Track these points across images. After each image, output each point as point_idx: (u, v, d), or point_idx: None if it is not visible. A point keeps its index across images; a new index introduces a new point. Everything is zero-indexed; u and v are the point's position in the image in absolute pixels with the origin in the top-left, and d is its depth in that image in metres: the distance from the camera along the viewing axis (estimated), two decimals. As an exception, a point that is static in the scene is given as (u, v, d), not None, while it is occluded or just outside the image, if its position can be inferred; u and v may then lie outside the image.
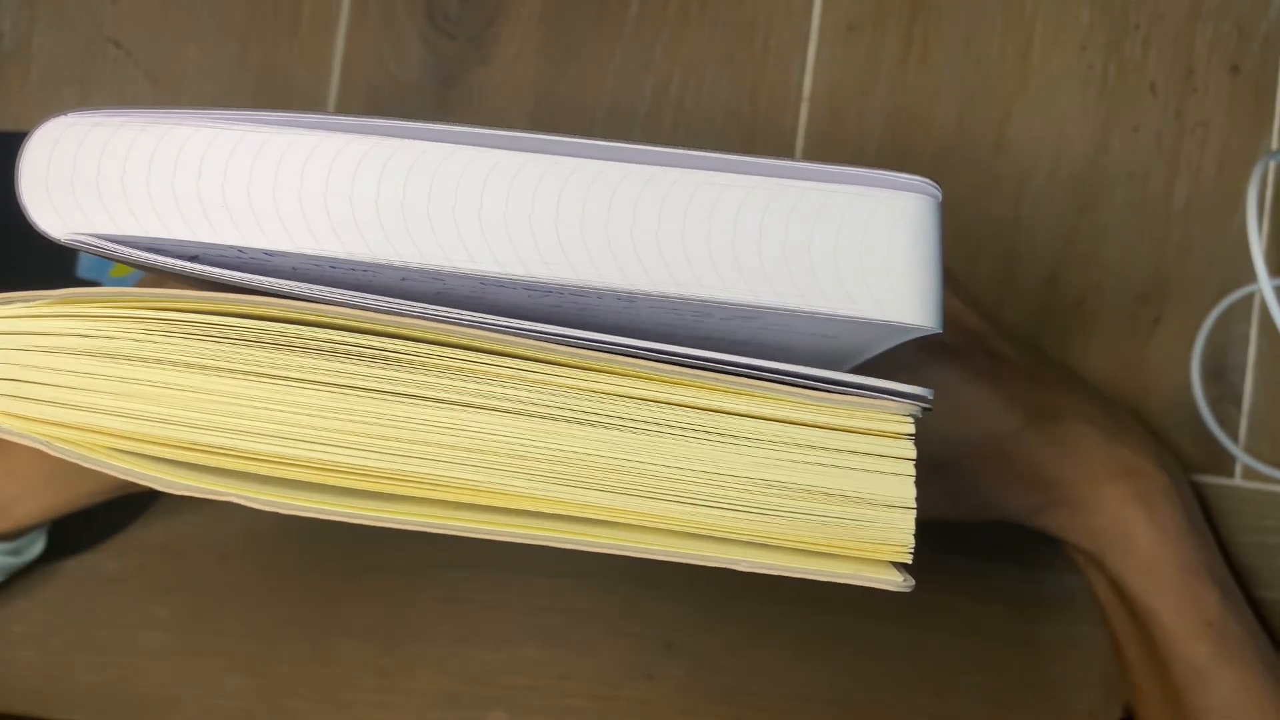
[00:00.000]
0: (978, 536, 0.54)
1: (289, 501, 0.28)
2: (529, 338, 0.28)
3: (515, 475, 0.29)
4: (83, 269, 0.54)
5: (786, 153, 0.55)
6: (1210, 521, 0.53)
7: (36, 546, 0.51)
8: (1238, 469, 0.54)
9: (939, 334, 0.29)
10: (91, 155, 0.28)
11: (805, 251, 0.28)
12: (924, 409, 0.29)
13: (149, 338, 0.28)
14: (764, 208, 0.28)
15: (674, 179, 0.28)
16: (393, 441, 0.28)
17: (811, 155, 0.55)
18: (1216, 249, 0.54)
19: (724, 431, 0.29)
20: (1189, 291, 0.54)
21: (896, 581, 0.28)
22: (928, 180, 0.29)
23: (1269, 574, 0.53)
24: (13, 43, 0.56)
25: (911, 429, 0.29)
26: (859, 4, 0.56)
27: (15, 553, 0.49)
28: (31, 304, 0.29)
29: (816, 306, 0.28)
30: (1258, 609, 0.51)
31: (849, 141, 0.55)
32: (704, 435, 0.29)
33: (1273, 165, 0.55)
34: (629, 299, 0.28)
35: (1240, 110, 0.55)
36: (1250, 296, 0.54)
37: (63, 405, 0.28)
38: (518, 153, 0.28)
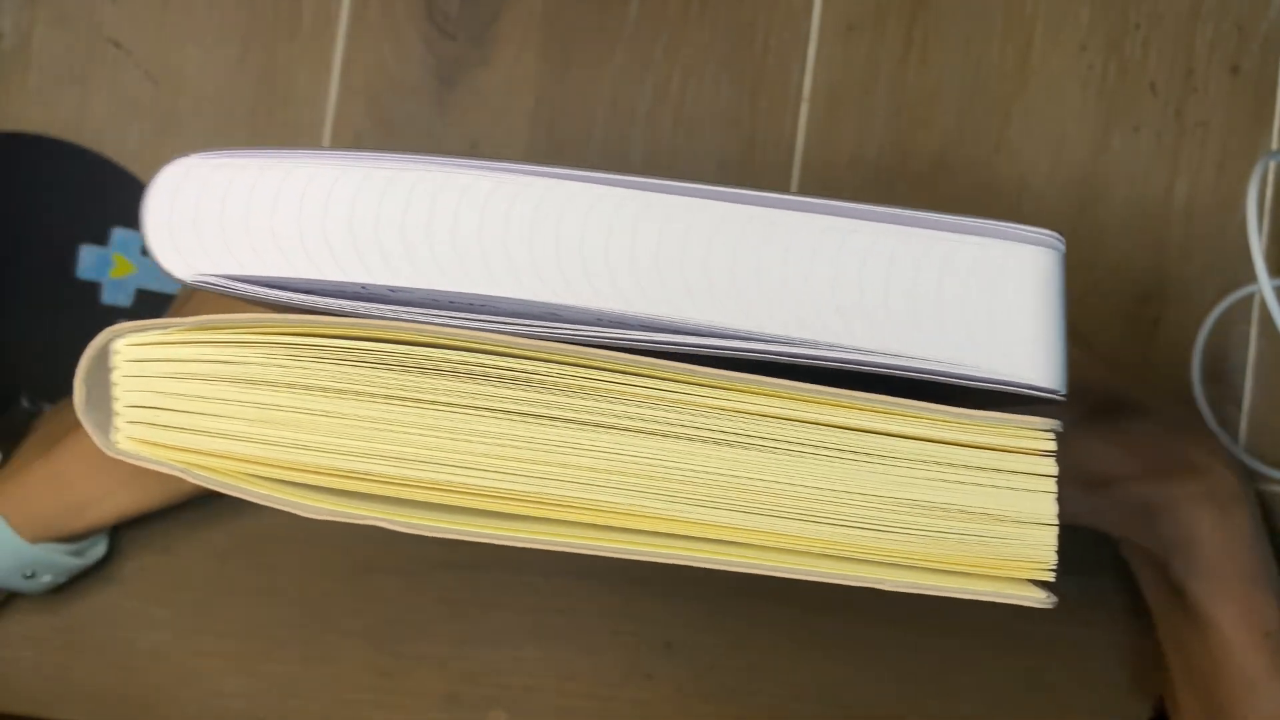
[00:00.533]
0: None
1: (430, 524, 0.28)
2: (666, 358, 0.28)
3: (652, 496, 0.28)
4: (82, 269, 0.54)
5: (786, 153, 0.55)
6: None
7: (99, 548, 0.51)
8: (1238, 469, 0.54)
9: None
10: (215, 197, 0.28)
11: (934, 301, 0.28)
12: (1061, 426, 0.29)
13: (285, 363, 0.28)
14: (890, 256, 0.28)
15: (799, 223, 0.28)
16: (529, 464, 0.28)
17: (811, 155, 0.55)
18: (1216, 249, 0.54)
19: (864, 451, 0.28)
20: (1189, 291, 0.54)
21: (1039, 598, 0.28)
22: (1052, 233, 0.28)
23: (1269, 574, 0.53)
24: (13, 43, 0.56)
25: (1054, 445, 0.28)
26: (859, 4, 0.56)
27: (78, 554, 0.49)
28: (167, 331, 0.28)
29: (946, 361, 0.28)
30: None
31: (849, 142, 0.55)
32: (844, 455, 0.28)
33: (1273, 165, 0.55)
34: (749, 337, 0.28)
35: (1240, 110, 0.55)
36: (1250, 296, 0.54)
37: (200, 432, 0.28)
38: (631, 191, 0.28)
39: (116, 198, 0.55)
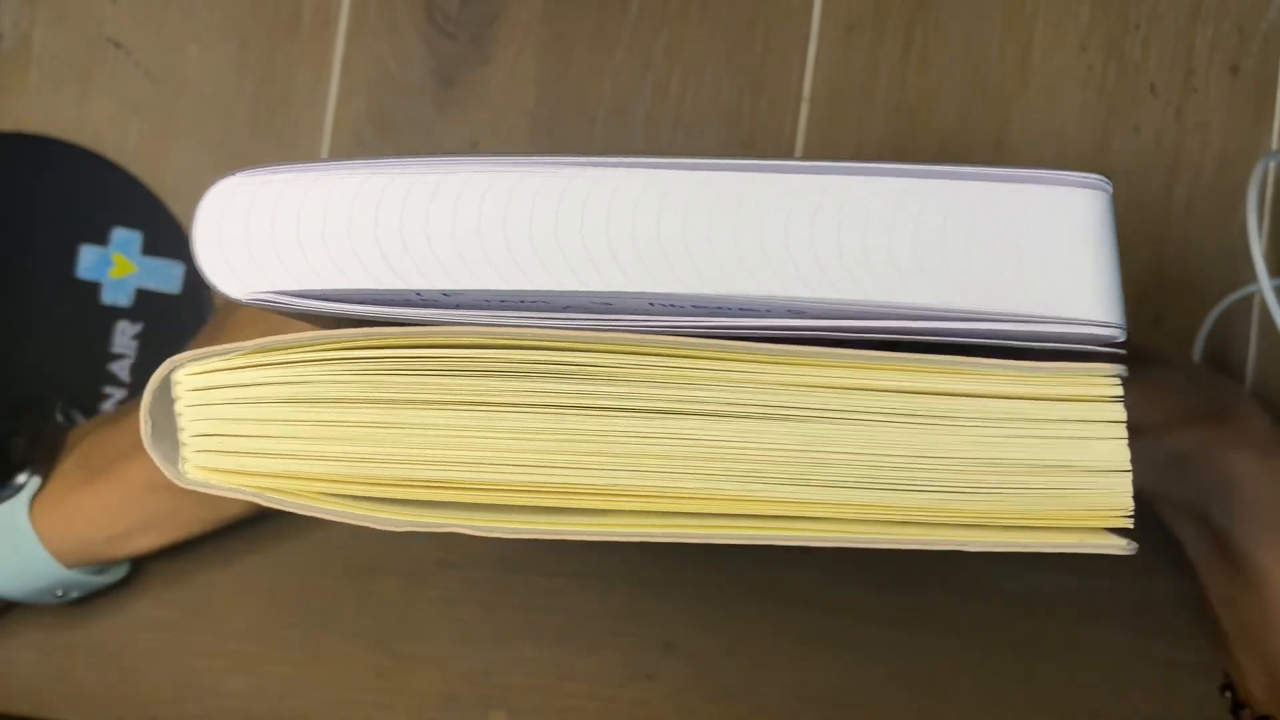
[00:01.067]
0: (978, 536, 0.54)
1: (511, 525, 0.28)
2: (727, 339, 0.28)
3: (729, 479, 0.28)
4: (82, 269, 0.54)
5: (787, 153, 0.55)
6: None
7: (121, 569, 0.51)
8: (1238, 469, 0.54)
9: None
10: (264, 213, 0.28)
11: (990, 251, 0.28)
12: (1127, 369, 0.28)
13: (346, 378, 0.28)
14: (945, 209, 0.28)
15: (844, 186, 0.28)
16: (605, 457, 0.28)
17: (812, 155, 0.55)
18: (1216, 249, 0.54)
19: (937, 413, 0.28)
20: (1189, 291, 0.54)
21: (1120, 545, 0.28)
22: (1100, 176, 0.28)
23: (1269, 574, 0.53)
24: (13, 43, 0.56)
25: (1120, 390, 0.28)
26: (859, 4, 0.56)
27: (101, 572, 0.50)
28: (229, 357, 0.28)
29: (1009, 308, 0.27)
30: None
31: (849, 141, 0.55)
32: (917, 419, 0.28)
33: (1273, 165, 0.55)
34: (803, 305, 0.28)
35: (1240, 110, 0.55)
36: (1250, 296, 0.54)
37: (269, 455, 0.28)
38: (690, 172, 0.28)
39: (116, 198, 0.55)
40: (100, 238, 0.54)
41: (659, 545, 0.57)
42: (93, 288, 0.54)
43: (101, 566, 0.49)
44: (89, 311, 0.54)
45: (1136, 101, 0.55)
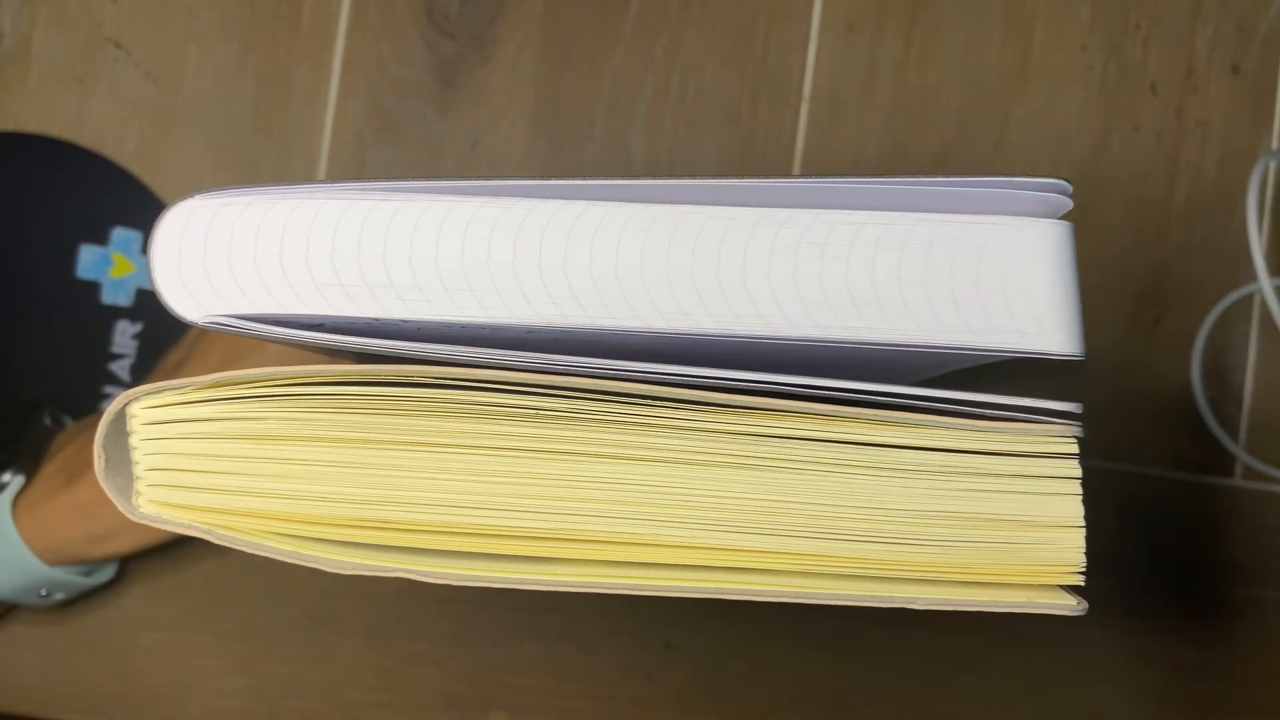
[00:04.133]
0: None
1: (457, 572, 0.27)
2: (680, 385, 0.28)
3: (674, 525, 0.28)
4: (82, 269, 0.54)
5: (787, 153, 0.55)
6: (1210, 521, 0.53)
7: (108, 571, 0.51)
8: (1238, 469, 0.54)
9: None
10: (222, 236, 0.28)
11: (947, 284, 0.28)
12: (1081, 427, 0.29)
13: (301, 415, 0.28)
14: (901, 244, 0.28)
15: (808, 221, 0.28)
16: (553, 501, 0.28)
17: (811, 155, 0.55)
18: (1216, 249, 0.54)
19: (889, 465, 0.28)
20: (1189, 291, 0.54)
21: (1070, 605, 0.28)
22: (1061, 184, 0.28)
23: (1269, 574, 0.53)
24: (13, 43, 0.56)
25: (1077, 448, 0.29)
26: (859, 4, 0.56)
27: (88, 574, 0.50)
28: (183, 391, 0.28)
29: (964, 341, 0.28)
30: (1258, 609, 0.51)
31: (849, 141, 0.55)
32: (869, 471, 0.28)
33: (1273, 165, 0.55)
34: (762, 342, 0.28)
35: (1240, 110, 0.55)
36: (1250, 296, 0.54)
37: (222, 491, 0.28)
38: (648, 205, 0.28)
39: (116, 198, 0.55)
40: (100, 238, 0.54)
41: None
42: (93, 288, 0.54)
43: (88, 569, 0.50)
44: (89, 311, 0.54)
45: (1136, 101, 0.55)
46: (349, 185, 0.28)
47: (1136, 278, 0.54)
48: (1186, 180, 0.55)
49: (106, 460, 0.28)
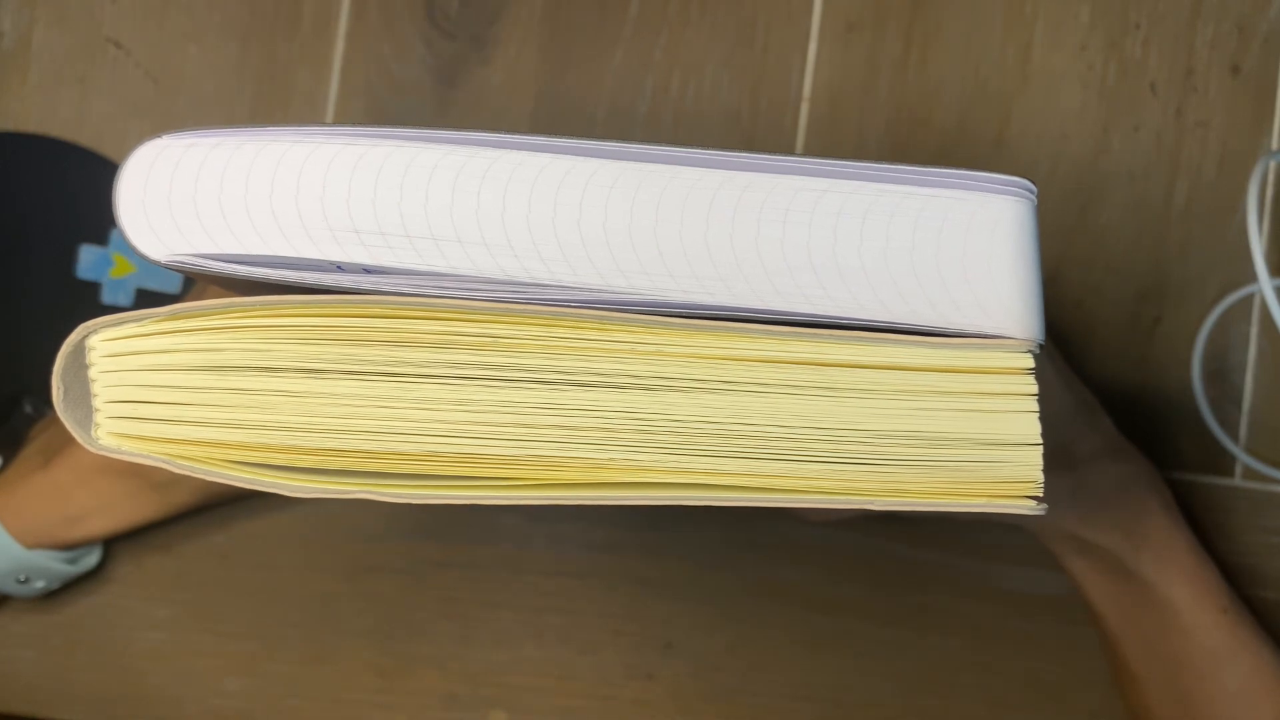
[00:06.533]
0: (977, 536, 0.53)
1: (416, 492, 0.28)
2: (638, 313, 0.28)
3: (636, 450, 0.28)
4: (82, 269, 0.54)
5: (787, 153, 0.55)
6: (1210, 521, 0.53)
7: (92, 557, 0.51)
8: (1238, 469, 0.54)
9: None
10: (188, 177, 0.28)
11: (907, 255, 0.28)
12: (1039, 344, 0.28)
13: (260, 346, 0.28)
14: (864, 213, 0.28)
15: (772, 185, 0.28)
16: (510, 427, 0.28)
17: (811, 155, 0.55)
18: (1216, 249, 0.54)
19: (846, 386, 0.28)
20: (1189, 291, 0.54)
21: (1029, 506, 0.28)
22: (1023, 181, 0.28)
23: (1269, 574, 0.53)
24: (13, 42, 0.56)
25: (1031, 363, 0.28)
26: (859, 4, 0.56)
27: (72, 561, 0.50)
28: (142, 323, 0.28)
29: (923, 316, 0.28)
30: (1258, 609, 0.51)
31: (849, 141, 0.55)
32: (826, 391, 0.28)
33: (1273, 165, 0.55)
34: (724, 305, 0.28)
35: (1240, 110, 0.55)
36: (1250, 296, 0.54)
37: (180, 422, 0.28)
38: (614, 161, 0.28)
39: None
40: (100, 238, 0.54)
41: (659, 543, 0.57)
42: (93, 288, 0.54)
43: (70, 555, 0.49)
44: (89, 311, 0.54)
45: (1136, 101, 0.55)
46: (315, 129, 0.28)
47: (1136, 278, 0.54)
48: (1186, 180, 0.55)
49: (65, 392, 0.28)
